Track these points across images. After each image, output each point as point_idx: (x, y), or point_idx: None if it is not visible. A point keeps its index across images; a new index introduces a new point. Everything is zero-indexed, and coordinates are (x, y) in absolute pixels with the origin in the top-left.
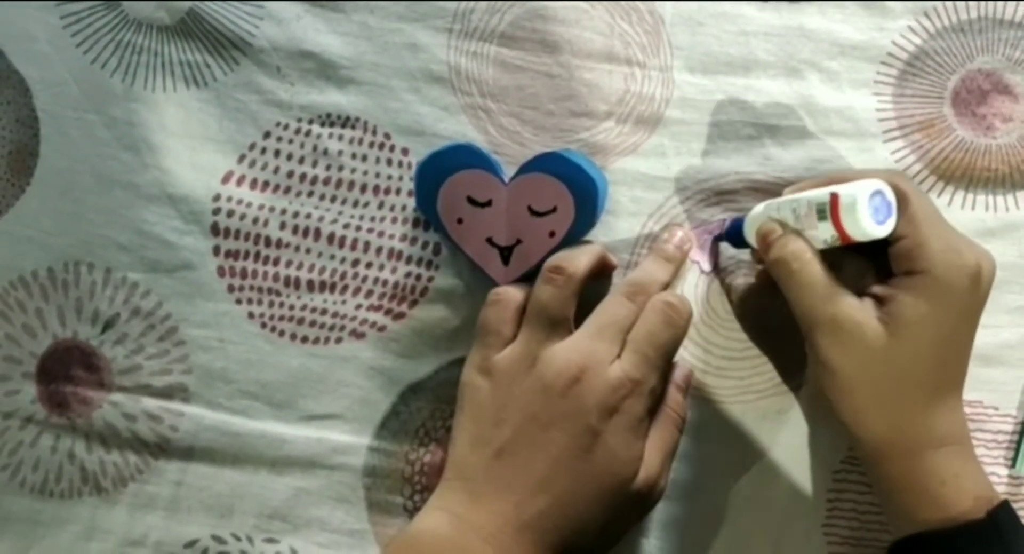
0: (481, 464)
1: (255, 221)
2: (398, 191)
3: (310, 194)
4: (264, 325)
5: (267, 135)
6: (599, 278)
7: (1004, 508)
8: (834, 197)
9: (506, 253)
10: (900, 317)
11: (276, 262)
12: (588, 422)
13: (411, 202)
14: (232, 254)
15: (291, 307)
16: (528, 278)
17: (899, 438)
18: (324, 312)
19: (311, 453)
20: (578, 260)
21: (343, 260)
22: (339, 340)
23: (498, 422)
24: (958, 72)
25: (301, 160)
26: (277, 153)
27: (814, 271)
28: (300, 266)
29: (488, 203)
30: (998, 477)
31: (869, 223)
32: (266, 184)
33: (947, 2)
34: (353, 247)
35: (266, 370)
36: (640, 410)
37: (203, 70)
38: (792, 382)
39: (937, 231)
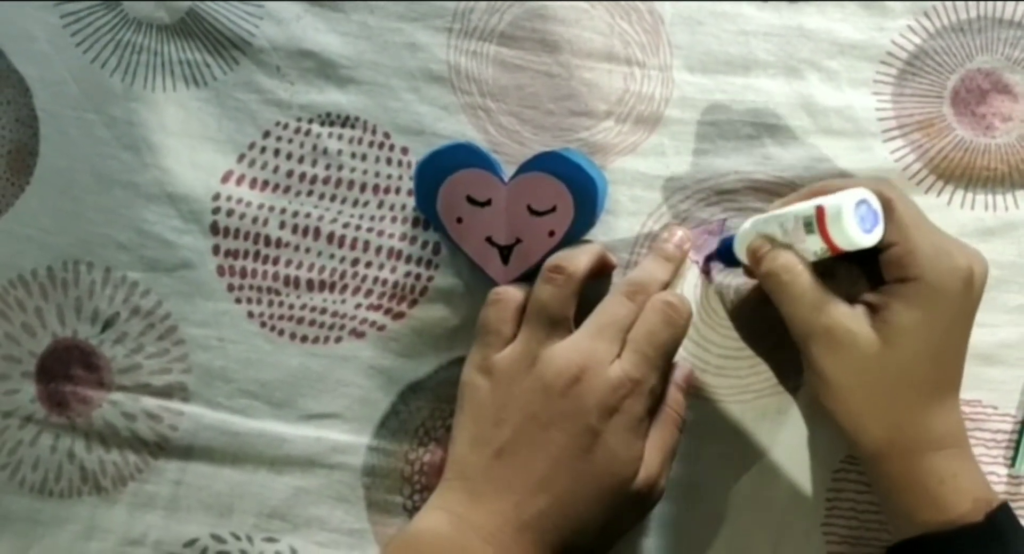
0: (481, 464)
1: (255, 220)
2: (398, 190)
3: (310, 193)
4: (264, 324)
5: (267, 134)
6: (599, 277)
7: (1003, 510)
8: (820, 210)
9: (506, 252)
10: (894, 324)
11: (276, 261)
12: (588, 422)
13: (411, 201)
14: (232, 253)
15: (291, 306)
16: (528, 277)
17: (898, 442)
18: (324, 311)
19: (311, 452)
20: (578, 259)
21: (343, 259)
22: (339, 339)
23: (498, 422)
24: (957, 71)
25: (301, 159)
26: (277, 152)
27: (804, 282)
28: (300, 265)
29: (488, 202)
30: (997, 476)
31: (857, 233)
32: (266, 183)
33: (947, 2)
34: (353, 246)
35: (266, 369)
36: (640, 410)
37: (203, 69)
38: (790, 383)
39: (926, 236)
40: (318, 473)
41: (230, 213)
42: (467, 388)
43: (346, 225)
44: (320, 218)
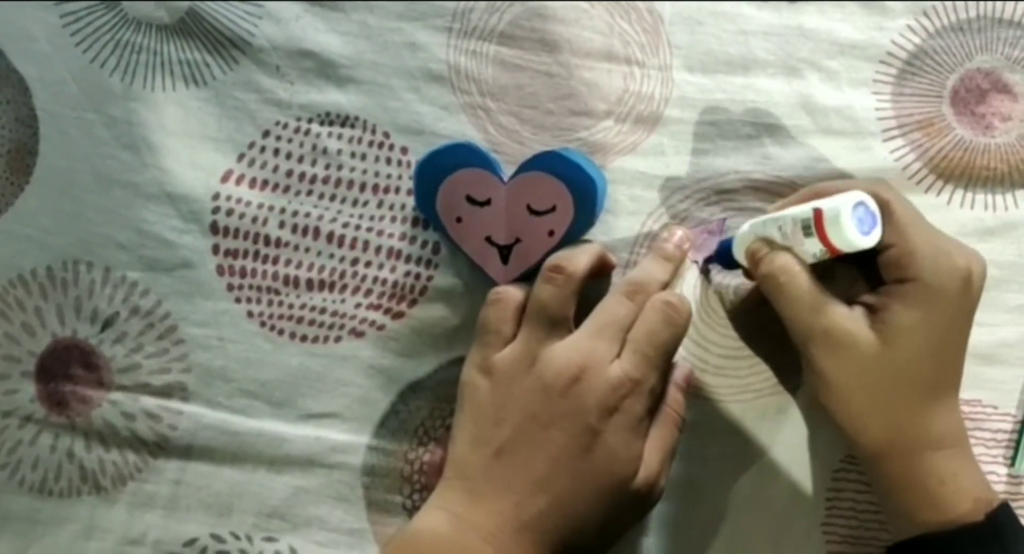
0: (481, 463)
1: (254, 220)
2: (397, 190)
3: (309, 193)
4: (263, 324)
5: (266, 134)
6: (599, 277)
7: (1003, 510)
8: (817, 212)
9: (505, 252)
10: (893, 325)
11: (275, 261)
12: (588, 421)
13: (410, 201)
14: (231, 253)
15: (290, 306)
16: (527, 277)
17: (898, 442)
18: (323, 311)
19: (310, 452)
20: (578, 259)
21: (342, 259)
22: (338, 339)
23: (498, 421)
24: (957, 71)
25: (300, 159)
26: (276, 152)
27: (803, 283)
28: (299, 265)
29: (487, 202)
30: (997, 476)
31: (855, 234)
32: (265, 183)
33: (946, 1)
34: (352, 246)
35: (265, 369)
36: (640, 409)
37: (202, 69)
38: (789, 383)
39: (924, 237)
40: (318, 473)
41: (230, 213)
42: (467, 388)
43: (346, 225)
44: (320, 218)
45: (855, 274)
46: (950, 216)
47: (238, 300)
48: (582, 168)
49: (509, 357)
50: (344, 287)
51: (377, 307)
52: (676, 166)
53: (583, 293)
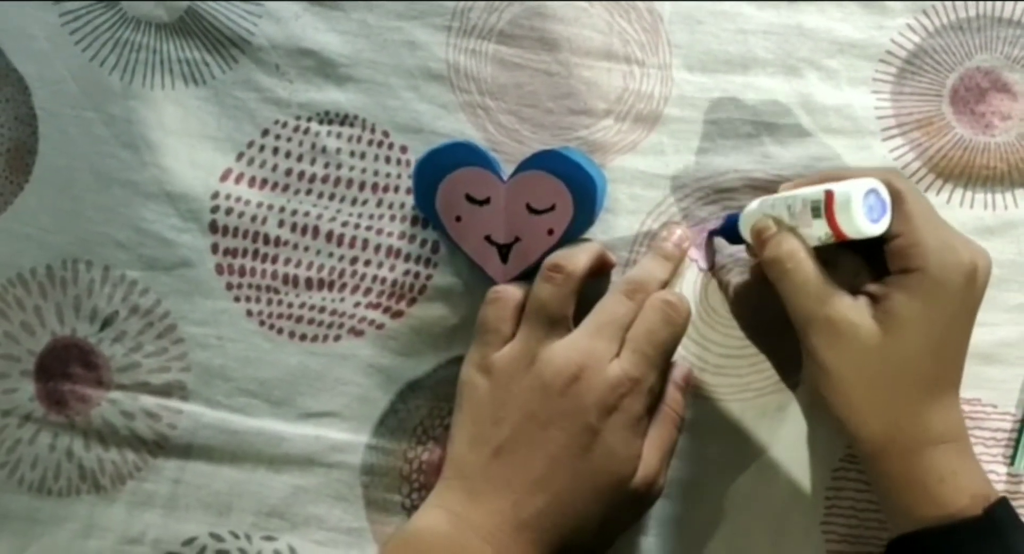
0: (480, 462)
1: (254, 219)
2: (396, 189)
3: (308, 192)
4: (263, 323)
5: (266, 133)
6: (598, 276)
7: (1002, 505)
8: (829, 195)
9: (505, 251)
10: (895, 315)
11: (275, 260)
12: (587, 421)
13: (410, 200)
14: (231, 252)
15: (290, 305)
16: (527, 276)
17: (897, 435)
18: (323, 310)
19: (309, 451)
20: (577, 258)
21: (342, 258)
22: (337, 338)
23: (497, 421)
24: (957, 70)
25: (300, 158)
26: (276, 151)
27: (808, 271)
28: (299, 264)
29: (486, 201)
30: (997, 475)
31: (863, 221)
32: (264, 182)
33: (946, 1)
34: (352, 245)
35: (264, 368)
36: (639, 409)
37: (202, 68)
38: (790, 380)
39: (932, 229)
40: (317, 472)
41: (229, 211)
42: (466, 387)
43: (345, 223)
44: (319, 216)
45: (860, 263)
46: (950, 215)
47: (237, 299)
48: (581, 167)
49: (508, 356)
50: (343, 286)
51: (376, 306)
52: (676, 165)
53: (582, 292)
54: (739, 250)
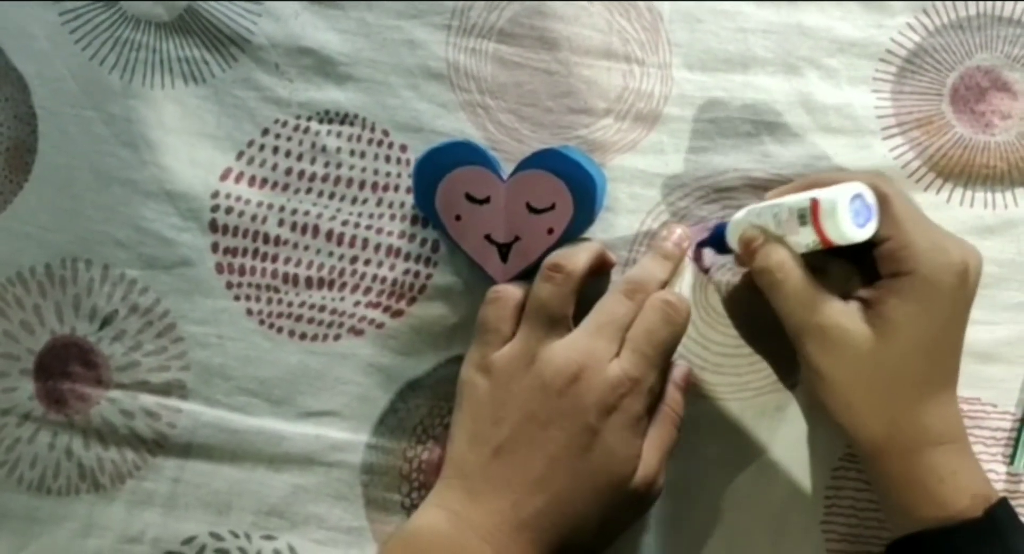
0: (479, 462)
1: (253, 218)
2: (396, 188)
3: (308, 191)
4: (262, 322)
5: (265, 132)
6: (598, 275)
7: (1002, 506)
8: (814, 202)
9: (504, 250)
10: (888, 319)
11: (275, 259)
12: (587, 421)
13: (409, 199)
14: (230, 251)
15: (289, 304)
16: (527, 275)
17: (896, 436)
18: (322, 309)
19: (309, 450)
20: (577, 258)
21: (341, 257)
22: (337, 337)
23: (497, 420)
24: (957, 69)
25: (299, 157)
26: (275, 150)
27: (797, 280)
28: (299, 263)
29: (486, 200)
30: (996, 474)
31: (850, 227)
32: (264, 181)
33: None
34: (352, 244)
35: (264, 367)
36: (639, 409)
37: (201, 67)
38: (789, 380)
39: (921, 231)
40: (316, 471)
41: (229, 210)
42: (466, 386)
43: (345, 223)
44: (319, 216)
45: (850, 269)
46: (949, 214)
47: (237, 298)
48: (581, 166)
49: (508, 356)
50: (343, 285)
51: (376, 305)
52: (675, 164)
53: (582, 291)
54: (729, 259)
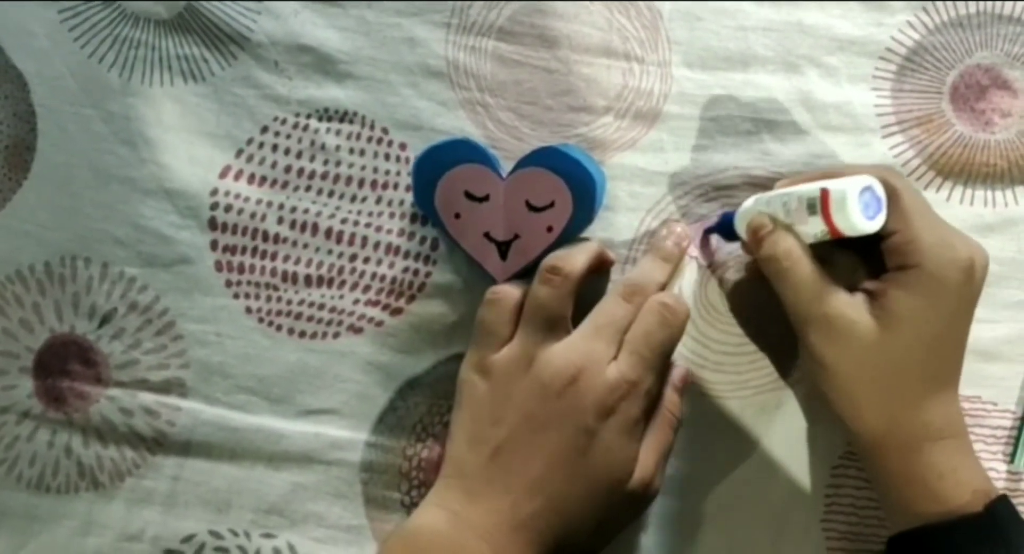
0: (478, 463)
1: (253, 216)
2: (396, 186)
3: (308, 189)
4: (262, 320)
5: (265, 130)
6: (597, 274)
7: (1002, 502)
8: (824, 192)
9: (504, 248)
10: (893, 312)
11: (274, 257)
12: (584, 422)
13: (409, 197)
14: (230, 249)
15: (289, 302)
16: (526, 273)
17: (896, 431)
18: (322, 307)
19: (308, 448)
20: (575, 259)
21: (341, 255)
22: (336, 335)
23: (495, 421)
24: (957, 67)
25: (299, 155)
26: (275, 148)
27: (804, 268)
28: (298, 261)
29: (486, 198)
30: (997, 472)
31: (859, 218)
32: (264, 179)
33: None
34: (351, 242)
35: (264, 365)
36: (636, 411)
37: (200, 65)
38: (789, 377)
39: (929, 226)
40: (316, 469)
41: (228, 208)
42: (465, 386)
43: (344, 221)
44: (318, 214)
45: (857, 261)
46: (950, 212)
47: (236, 296)
48: (581, 164)
49: (507, 357)
50: (342, 283)
51: (375, 303)
52: (675, 162)
53: (581, 291)
54: (737, 247)
